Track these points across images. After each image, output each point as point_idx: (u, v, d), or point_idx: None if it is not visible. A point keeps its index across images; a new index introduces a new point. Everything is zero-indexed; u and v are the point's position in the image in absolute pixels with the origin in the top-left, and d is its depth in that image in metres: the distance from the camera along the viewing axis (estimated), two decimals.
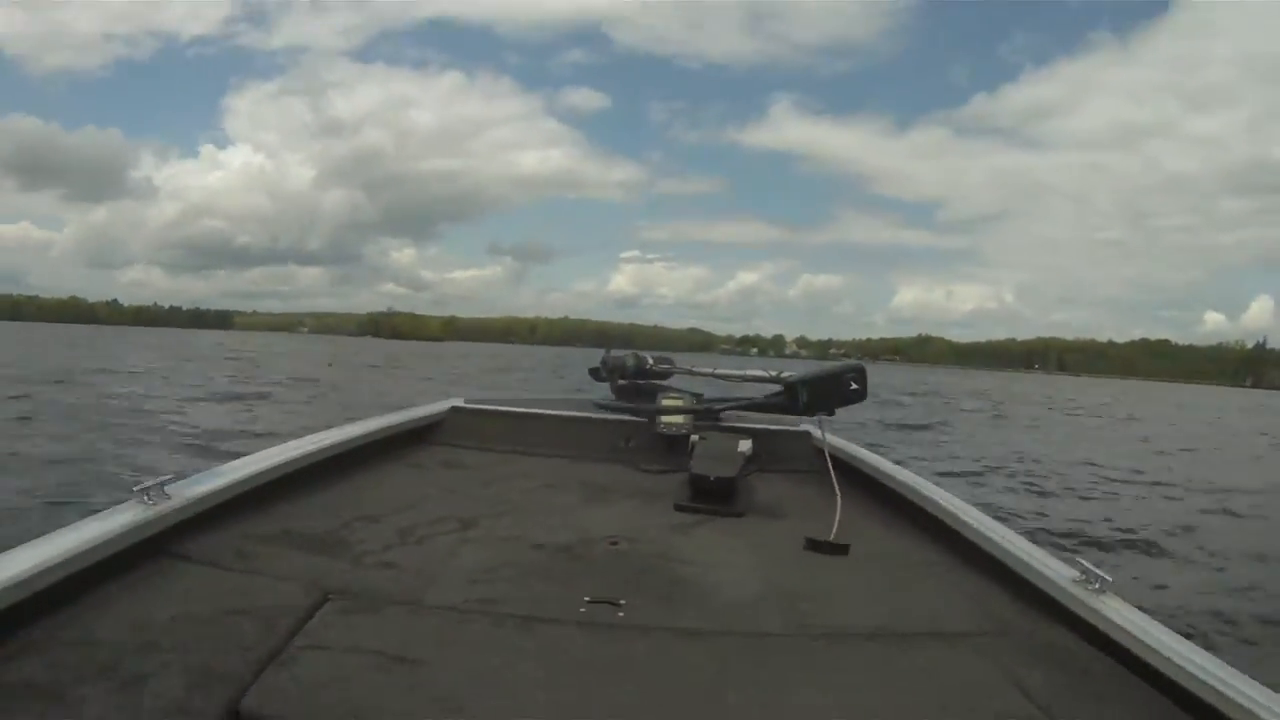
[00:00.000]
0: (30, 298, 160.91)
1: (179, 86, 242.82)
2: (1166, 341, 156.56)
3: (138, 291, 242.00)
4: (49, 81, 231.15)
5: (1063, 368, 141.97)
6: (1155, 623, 0.95)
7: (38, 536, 0.94)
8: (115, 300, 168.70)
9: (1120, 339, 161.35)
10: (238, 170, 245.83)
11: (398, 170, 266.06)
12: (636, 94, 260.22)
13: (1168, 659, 0.87)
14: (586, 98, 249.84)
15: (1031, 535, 1.21)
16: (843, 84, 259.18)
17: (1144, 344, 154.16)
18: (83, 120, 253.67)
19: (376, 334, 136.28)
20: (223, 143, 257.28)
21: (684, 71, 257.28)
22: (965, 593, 1.17)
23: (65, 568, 0.90)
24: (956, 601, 1.14)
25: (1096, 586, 1.03)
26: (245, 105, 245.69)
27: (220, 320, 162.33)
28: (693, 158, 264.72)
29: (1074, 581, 1.06)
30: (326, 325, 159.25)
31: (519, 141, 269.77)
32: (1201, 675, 0.83)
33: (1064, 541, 4.49)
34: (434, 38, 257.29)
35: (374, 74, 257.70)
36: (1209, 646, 0.91)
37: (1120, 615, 0.97)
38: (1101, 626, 0.98)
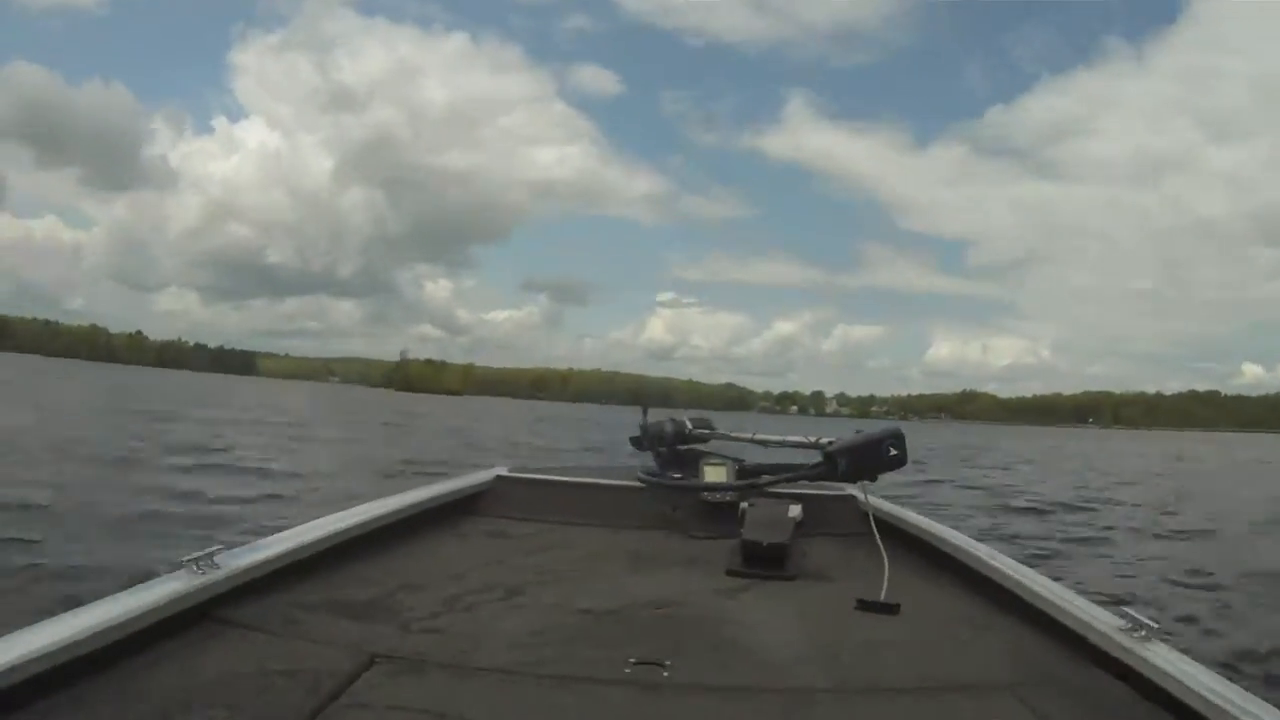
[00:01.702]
0: (50, 323, 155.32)
1: (180, 31, 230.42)
2: (1216, 393, 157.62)
3: (172, 323, 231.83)
4: (46, 18, 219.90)
5: (1118, 421, 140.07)
6: (1206, 670, 0.93)
7: (84, 604, 0.96)
8: (139, 332, 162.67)
9: (1163, 391, 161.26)
10: (254, 152, 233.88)
11: (414, 163, 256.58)
12: (646, 77, 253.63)
13: (1218, 707, 0.84)
14: (596, 76, 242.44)
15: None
16: (855, 80, 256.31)
17: (1193, 395, 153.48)
18: (85, 69, 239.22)
19: (398, 385, 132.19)
20: (235, 114, 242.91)
21: (692, 51, 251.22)
22: (1009, 644, 1.18)
23: (114, 632, 0.93)
24: (999, 652, 1.14)
25: (1143, 634, 1.02)
26: (251, 61, 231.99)
27: (244, 362, 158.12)
28: (713, 166, 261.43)
29: (1119, 630, 1.05)
30: (356, 372, 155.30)
31: (533, 132, 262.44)
32: None
33: None
34: None
35: (377, 30, 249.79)
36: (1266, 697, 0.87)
37: (1167, 662, 0.94)
38: (1147, 674, 0.96)
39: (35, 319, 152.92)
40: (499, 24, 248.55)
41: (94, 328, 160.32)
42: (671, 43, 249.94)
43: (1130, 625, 1.04)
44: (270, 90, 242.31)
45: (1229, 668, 3.18)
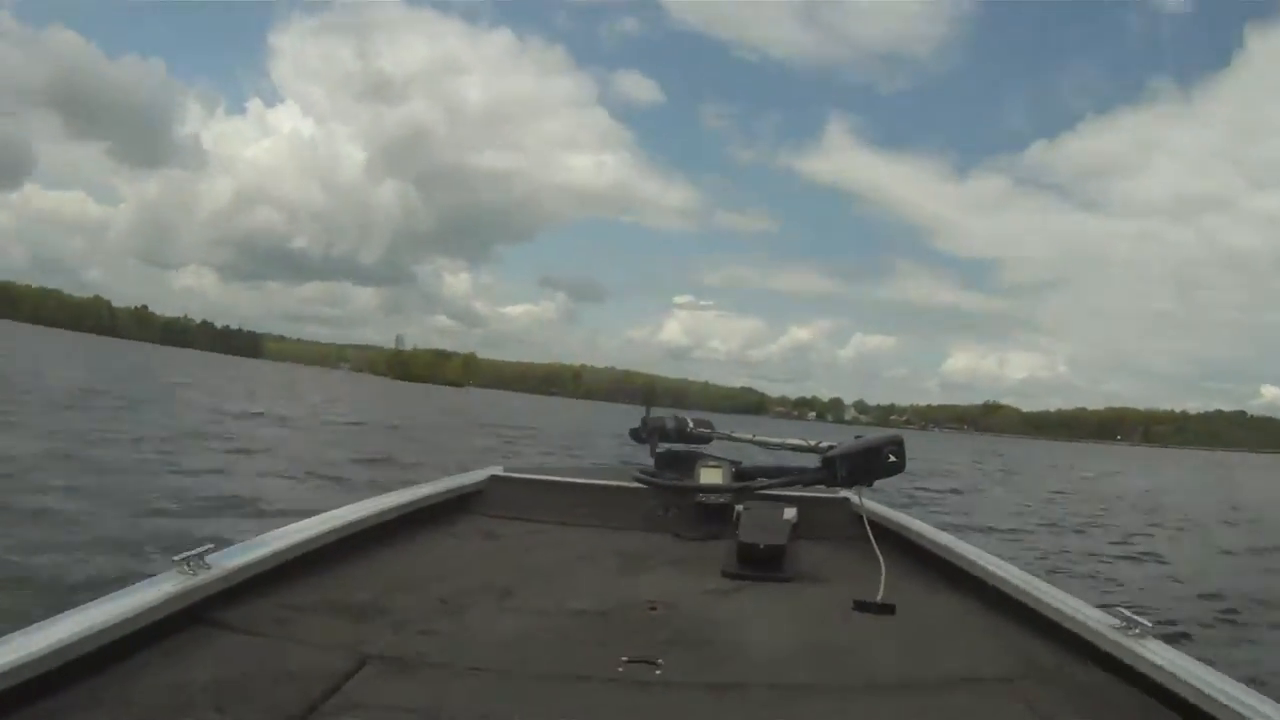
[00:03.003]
0: (51, 291, 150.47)
1: (222, 10, 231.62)
2: (1242, 413, 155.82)
3: (187, 301, 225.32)
4: None
5: (1147, 439, 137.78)
6: (1200, 664, 0.93)
7: (75, 606, 0.95)
8: (145, 306, 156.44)
9: (1184, 410, 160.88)
10: (287, 138, 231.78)
11: (450, 161, 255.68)
12: (690, 87, 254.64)
13: (1215, 700, 0.84)
14: (639, 85, 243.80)
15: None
16: (901, 104, 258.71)
17: (1221, 416, 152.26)
18: (123, 41, 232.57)
19: (395, 374, 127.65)
20: (270, 98, 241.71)
21: (739, 65, 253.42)
22: (1003, 642, 1.19)
23: (104, 635, 0.91)
24: (994, 650, 1.15)
25: (1137, 632, 1.02)
26: (289, 43, 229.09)
27: (251, 344, 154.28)
28: (749, 183, 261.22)
29: (1113, 628, 1.05)
30: (366, 359, 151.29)
31: (571, 138, 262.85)
32: (1251, 717, 0.79)
33: None
34: None
35: (422, 19, 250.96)
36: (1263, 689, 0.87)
37: (1161, 657, 0.95)
38: (1141, 669, 0.96)
39: (36, 288, 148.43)
40: (544, 23, 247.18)
41: (96, 299, 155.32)
42: (718, 53, 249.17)
43: (1125, 624, 1.04)
44: (307, 74, 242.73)
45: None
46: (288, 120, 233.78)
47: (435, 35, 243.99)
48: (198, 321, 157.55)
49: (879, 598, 1.30)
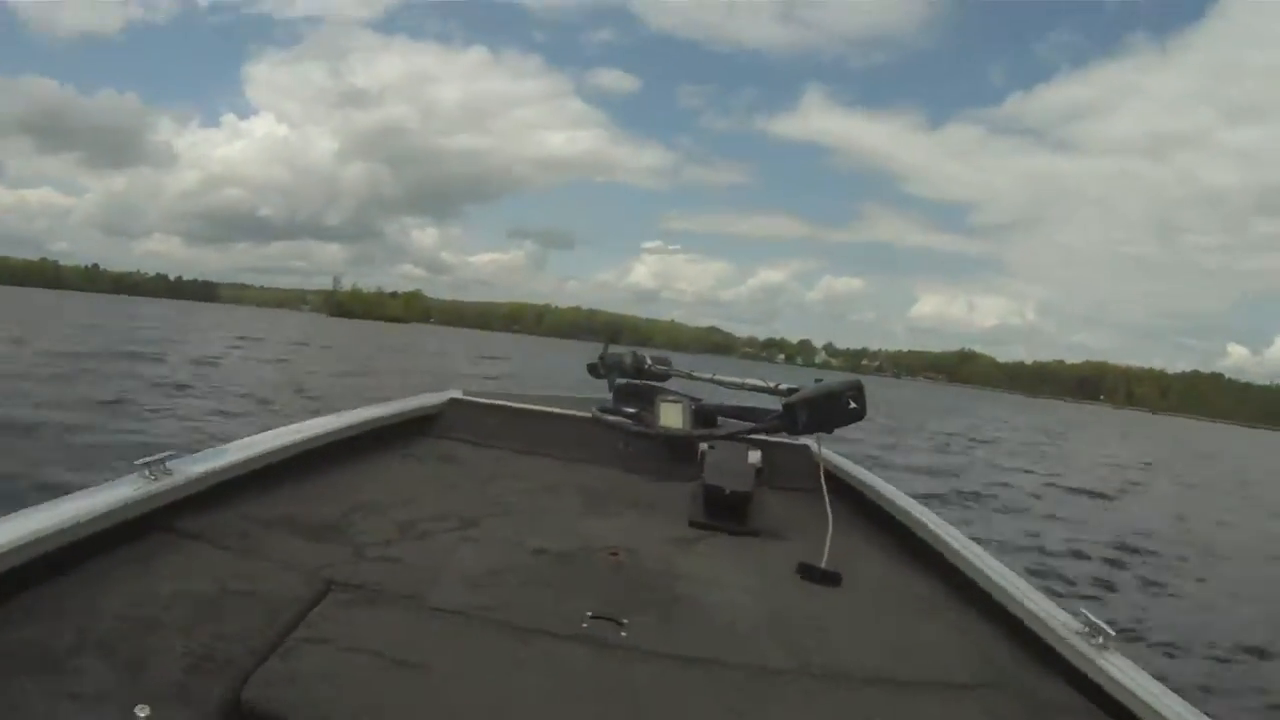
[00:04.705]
0: None
1: (199, 54, 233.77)
2: (1219, 375, 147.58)
3: (153, 262, 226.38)
4: (65, 44, 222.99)
5: (1131, 401, 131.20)
6: (1157, 683, 0.94)
7: (34, 504, 0.92)
8: (95, 265, 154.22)
9: (1152, 366, 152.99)
10: (260, 140, 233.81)
11: (422, 146, 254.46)
12: (667, 78, 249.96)
13: None
14: (615, 79, 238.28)
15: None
16: (878, 76, 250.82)
17: (1198, 377, 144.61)
18: (100, 85, 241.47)
19: (330, 311, 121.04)
20: (245, 112, 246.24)
21: (716, 56, 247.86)
22: (966, 638, 1.16)
23: (67, 535, 0.89)
24: (957, 647, 1.13)
25: (1100, 641, 1.02)
26: (265, 72, 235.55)
27: (205, 292, 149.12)
28: (722, 145, 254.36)
29: (1077, 634, 1.05)
30: (323, 302, 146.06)
31: (545, 122, 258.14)
32: None
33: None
34: (457, 9, 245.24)
35: (396, 46, 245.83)
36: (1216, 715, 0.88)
37: (1122, 674, 0.95)
38: (1103, 684, 0.96)
39: None
40: (520, 39, 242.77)
41: (43, 260, 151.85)
42: (696, 50, 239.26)
43: (1088, 630, 1.03)
44: (281, 92, 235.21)
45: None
46: (261, 127, 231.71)
47: (409, 55, 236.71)
48: (150, 275, 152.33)
49: (824, 563, 1.27)
